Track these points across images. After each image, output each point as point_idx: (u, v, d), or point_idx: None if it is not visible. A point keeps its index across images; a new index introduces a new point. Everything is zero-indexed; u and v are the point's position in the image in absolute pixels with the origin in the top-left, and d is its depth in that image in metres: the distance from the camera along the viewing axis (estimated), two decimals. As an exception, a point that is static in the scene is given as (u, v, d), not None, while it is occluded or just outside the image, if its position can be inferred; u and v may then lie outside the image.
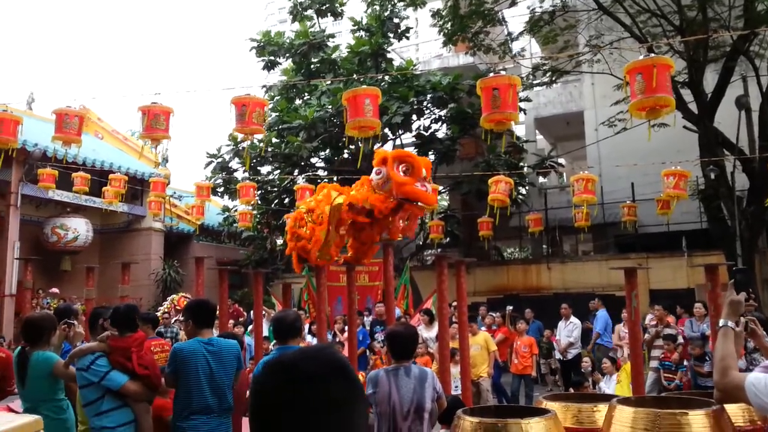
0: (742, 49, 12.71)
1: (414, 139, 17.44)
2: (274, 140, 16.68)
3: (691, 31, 12.45)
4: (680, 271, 14.55)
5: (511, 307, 12.42)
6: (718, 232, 13.36)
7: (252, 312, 13.23)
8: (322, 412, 1.05)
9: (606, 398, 4.17)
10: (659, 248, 15.43)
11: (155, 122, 6.69)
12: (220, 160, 18.03)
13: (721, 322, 2.64)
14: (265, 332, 8.57)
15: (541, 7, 15.77)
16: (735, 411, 3.42)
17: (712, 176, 12.67)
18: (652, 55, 5.60)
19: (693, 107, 13.01)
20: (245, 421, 4.48)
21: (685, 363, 8.32)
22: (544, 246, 19.65)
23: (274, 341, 6.83)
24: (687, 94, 12.99)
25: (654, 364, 8.63)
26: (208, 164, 18.10)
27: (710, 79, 13.39)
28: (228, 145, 17.87)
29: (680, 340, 8.68)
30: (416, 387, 3.64)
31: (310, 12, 18.36)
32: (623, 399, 3.65)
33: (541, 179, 21.06)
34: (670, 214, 11.95)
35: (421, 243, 18.37)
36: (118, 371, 3.81)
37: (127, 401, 3.85)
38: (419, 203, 5.75)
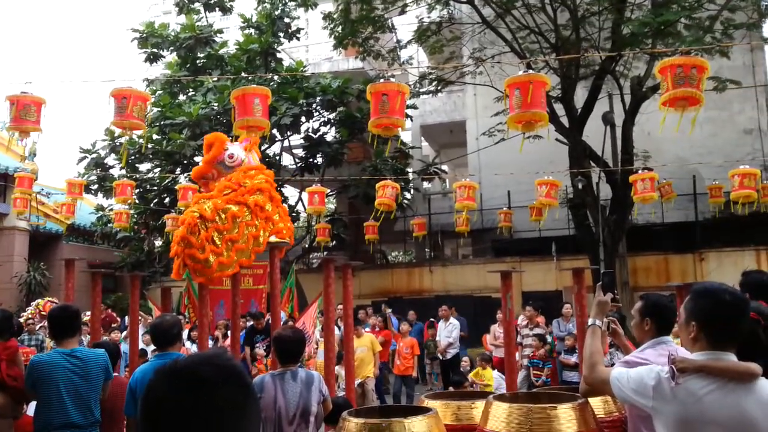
0: (609, 69, 13.78)
1: (302, 141, 17.35)
2: (155, 137, 15.96)
3: (565, 50, 13.35)
4: (550, 274, 15.51)
5: (390, 310, 12.70)
6: (584, 238, 14.36)
7: (127, 318, 12.63)
8: (217, 418, 1.04)
9: (483, 395, 4.37)
10: (531, 253, 16.33)
11: (25, 113, 6.21)
12: (95, 155, 16.99)
13: (590, 321, 2.87)
14: (141, 344, 8.18)
15: (429, 17, 16.25)
16: (597, 404, 3.72)
17: (580, 186, 13.62)
18: (530, 72, 5.95)
19: (565, 121, 13.92)
20: None
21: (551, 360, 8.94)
22: (427, 250, 20.22)
23: (153, 348, 6.54)
24: (559, 108, 13.89)
25: (524, 361, 9.18)
26: (81, 160, 17.00)
27: (580, 95, 14.38)
28: (104, 140, 16.90)
29: (548, 339, 9.30)
30: (302, 391, 3.64)
31: (197, 5, 17.76)
32: (499, 396, 3.85)
33: (425, 185, 21.66)
34: (543, 221, 12.71)
35: (307, 246, 18.30)
36: None
37: None
38: None
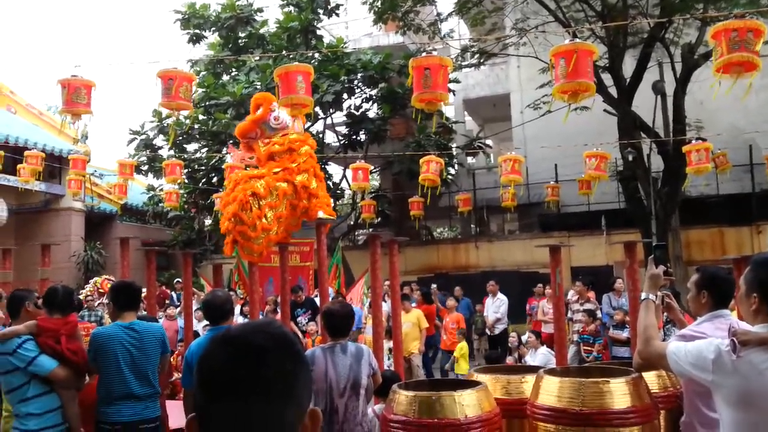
0: (658, 36, 13.30)
1: (345, 119, 17.37)
2: (200, 117, 16.22)
3: (611, 17, 12.92)
4: (599, 248, 15.22)
5: (435, 286, 12.71)
6: (635, 212, 14.03)
7: (174, 294, 13.00)
8: (270, 384, 1.06)
9: (532, 370, 4.35)
10: (580, 227, 16.06)
11: (76, 96, 6.37)
12: (143, 137, 17.38)
13: (643, 295, 2.81)
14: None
15: (470, -12, 15.93)
16: (651, 379, 3.65)
17: (630, 158, 13.27)
18: (577, 40, 5.79)
19: (613, 91, 13.54)
20: (169, 405, 4.40)
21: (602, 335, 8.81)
22: (473, 225, 20.10)
23: (206, 323, 6.72)
24: (607, 79, 13.50)
25: (574, 337, 9.08)
26: (131, 141, 17.42)
27: (629, 65, 13.94)
28: (152, 122, 17.25)
29: (598, 314, 9.16)
30: (353, 364, 3.68)
31: (237, -16, 17.83)
32: (549, 370, 3.82)
33: (469, 160, 21.46)
34: (592, 195, 12.46)
35: (352, 223, 18.42)
36: (46, 355, 3.65)
37: (53, 387, 3.70)
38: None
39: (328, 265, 11.06)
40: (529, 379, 3.82)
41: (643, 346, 2.61)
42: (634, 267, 5.59)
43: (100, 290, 11.54)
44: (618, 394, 3.20)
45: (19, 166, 12.77)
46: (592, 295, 9.75)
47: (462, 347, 9.40)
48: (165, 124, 16.69)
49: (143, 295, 7.20)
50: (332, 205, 6.87)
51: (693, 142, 10.65)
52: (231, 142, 16.13)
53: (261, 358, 1.07)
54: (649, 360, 2.63)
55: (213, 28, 17.33)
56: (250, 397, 1.05)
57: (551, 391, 3.35)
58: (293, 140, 5.97)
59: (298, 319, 9.38)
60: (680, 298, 10.18)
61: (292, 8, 16.90)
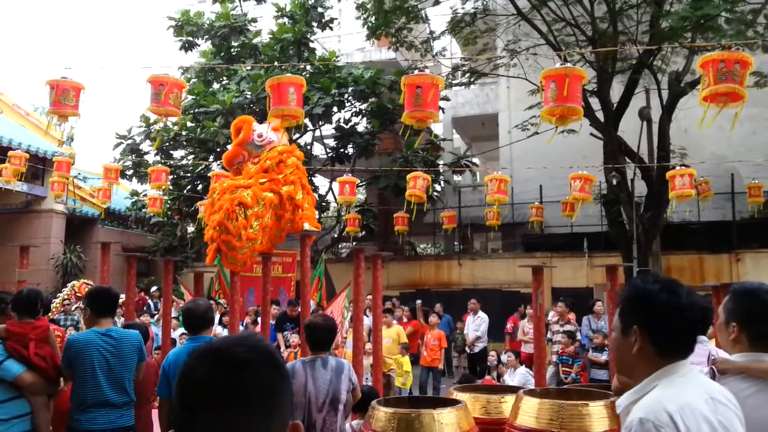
0: (646, 63, 13.50)
1: (334, 131, 17.40)
2: (189, 124, 16.17)
3: (601, 43, 13.11)
4: (581, 270, 15.32)
5: (420, 301, 12.68)
6: (617, 235, 14.14)
7: (150, 301, 12.85)
8: (251, 398, 1.05)
9: (512, 390, 4.35)
10: (562, 248, 16.16)
11: (64, 98, 6.32)
12: (130, 141, 17.28)
13: None
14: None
15: (463, 8, 16.10)
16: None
17: (614, 182, 13.40)
18: (568, 64, 5.86)
19: (600, 115, 13.70)
20: (155, 414, 4.34)
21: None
22: (456, 243, 20.14)
23: (183, 332, 6.65)
24: (594, 103, 13.66)
25: (553, 358, 9.10)
26: (117, 145, 17.32)
27: (617, 90, 14.13)
28: (139, 127, 17.17)
29: (578, 336, 9.20)
30: (332, 378, 3.66)
31: (232, -6, 17.89)
32: (529, 391, 3.82)
33: (456, 177, 21.56)
34: (575, 217, 12.55)
35: (336, 235, 18.39)
36: (14, 360, 3.58)
37: (22, 392, 3.63)
38: None
39: (311, 277, 11.01)
40: (509, 399, 3.82)
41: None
42: (615, 290, 5.63)
43: (78, 294, 11.39)
44: (596, 417, 3.22)
45: (0, 165, 12.62)
46: (572, 316, 9.79)
47: (405, 362, 9.20)
48: (152, 130, 16.61)
49: (121, 301, 7.13)
50: (317, 217, 6.86)
51: (677, 168, 10.79)
52: (218, 149, 16.11)
53: (243, 371, 1.06)
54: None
55: (206, 36, 17.34)
56: (232, 410, 1.04)
57: (530, 412, 3.35)
58: (281, 152, 5.97)
59: (285, 333, 9.29)
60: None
61: (286, 20, 16.97)
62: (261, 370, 1.08)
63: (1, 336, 3.61)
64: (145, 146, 17.36)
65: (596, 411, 3.23)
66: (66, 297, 11.28)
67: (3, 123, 16.73)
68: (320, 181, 19.31)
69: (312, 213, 6.42)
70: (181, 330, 7.40)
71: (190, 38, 17.51)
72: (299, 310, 9.57)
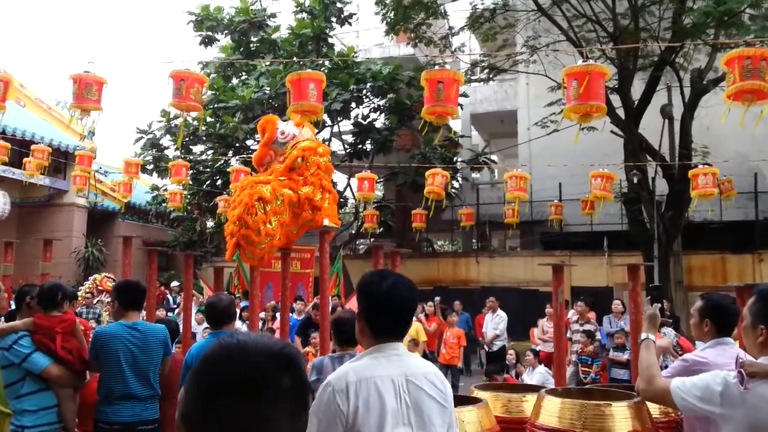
0: (668, 60, 13.33)
1: (352, 127, 17.41)
2: (208, 119, 16.27)
3: (623, 39, 12.95)
4: (600, 269, 15.18)
5: (438, 298, 12.65)
6: (637, 234, 14.00)
7: (169, 295, 12.95)
8: (269, 403, 1.05)
9: (533, 389, 4.33)
10: (582, 247, 16.03)
11: (87, 92, 6.39)
12: (150, 136, 17.44)
13: (643, 336, 2.80)
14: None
15: (482, 3, 16.01)
16: (652, 404, 3.63)
17: (635, 180, 13.25)
18: (590, 62, 5.80)
19: (621, 113, 13.56)
20: None
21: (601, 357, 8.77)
22: (474, 240, 20.07)
23: (206, 326, 6.69)
24: (615, 100, 13.51)
25: (572, 357, 9.03)
26: (137, 140, 17.48)
27: (638, 87, 13.97)
28: (160, 122, 17.32)
29: (597, 335, 9.12)
30: (359, 374, 3.66)
31: (251, -11, 17.97)
32: (551, 390, 3.80)
33: (474, 174, 21.48)
34: (595, 215, 12.44)
35: (354, 232, 18.42)
36: (41, 353, 3.63)
37: (49, 384, 3.68)
38: None
39: (329, 273, 11.02)
40: (530, 398, 3.80)
41: (646, 385, 2.59)
42: (637, 289, 5.57)
43: (99, 287, 11.50)
44: (619, 417, 3.19)
45: (25, 159, 12.80)
46: (592, 315, 9.71)
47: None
48: (173, 125, 16.74)
49: (144, 294, 7.18)
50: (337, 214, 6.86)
51: (699, 167, 10.65)
52: (237, 145, 16.19)
53: (288, 366, 1.07)
54: (653, 399, 2.61)
55: (226, 31, 17.44)
56: (269, 404, 1.04)
57: (552, 412, 3.33)
58: (304, 149, 5.97)
59: (311, 338, 9.02)
60: (679, 322, 10.16)
61: (305, 15, 17.00)
62: (281, 375, 1.07)
63: (29, 329, 3.66)
64: (166, 141, 17.52)
65: (619, 411, 3.20)
66: (88, 290, 11.40)
67: (26, 117, 16.96)
68: (338, 177, 19.33)
69: (333, 210, 6.42)
70: (206, 324, 7.44)
71: (210, 33, 17.62)
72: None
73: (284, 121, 6.70)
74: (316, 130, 15.40)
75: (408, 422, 1.96)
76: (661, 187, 13.88)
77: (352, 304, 10.74)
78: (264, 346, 1.09)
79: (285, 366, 1.08)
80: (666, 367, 3.39)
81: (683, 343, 7.20)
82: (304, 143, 6.00)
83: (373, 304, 2.14)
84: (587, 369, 8.62)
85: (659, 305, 3.06)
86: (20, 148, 13.37)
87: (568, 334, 9.22)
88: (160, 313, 9.60)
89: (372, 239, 16.86)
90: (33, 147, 12.72)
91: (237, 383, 1.04)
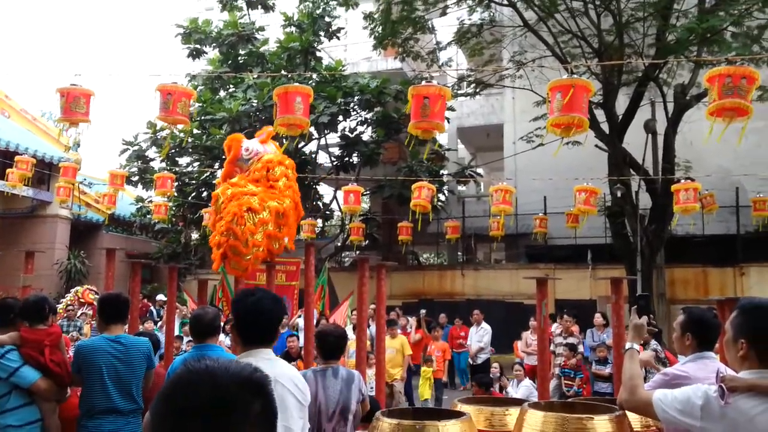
0: (652, 76, 13.52)
1: (339, 140, 17.44)
2: (195, 131, 16.23)
3: (607, 55, 13.14)
4: (584, 282, 15.29)
5: (424, 311, 12.66)
6: (620, 248, 14.11)
7: (152, 308, 12.83)
8: (238, 427, 1.03)
9: (516, 402, 4.33)
10: (566, 260, 16.12)
11: (74, 105, 6.36)
12: (136, 148, 17.37)
13: (627, 345, 2.82)
14: (176, 331, 8.28)
15: (470, 19, 16.17)
16: (634, 417, 3.65)
17: (619, 194, 13.39)
18: (573, 76, 5.88)
19: (605, 127, 13.71)
20: None
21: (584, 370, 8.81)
22: (459, 253, 20.12)
23: (189, 339, 6.63)
24: (600, 114, 13.68)
25: (556, 370, 9.07)
26: (123, 151, 17.40)
27: (622, 102, 14.14)
28: (146, 133, 17.25)
29: (580, 348, 9.17)
30: (343, 388, 3.65)
31: (240, 2, 18.00)
32: (534, 403, 3.81)
33: (460, 187, 21.58)
34: (579, 229, 12.53)
35: (340, 244, 18.40)
36: (29, 367, 3.59)
37: (34, 399, 3.63)
38: None
39: (314, 286, 10.98)
40: (513, 412, 3.80)
41: (628, 395, 2.61)
42: (620, 302, 5.61)
43: (81, 300, 11.39)
44: (601, 431, 3.20)
45: (7, 170, 12.68)
46: (576, 329, 9.76)
47: (426, 371, 9.33)
48: (158, 136, 16.69)
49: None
50: (320, 226, 6.86)
51: (682, 181, 10.79)
52: (224, 157, 16.14)
53: (258, 391, 1.07)
54: (635, 410, 2.63)
55: (214, 44, 17.45)
56: (229, 427, 1.03)
57: (535, 426, 3.33)
58: (267, 161, 5.95)
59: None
60: (662, 335, 10.23)
61: (293, 29, 17.06)
62: (250, 402, 1.06)
63: (16, 343, 3.62)
64: (151, 153, 17.45)
65: (601, 425, 3.21)
66: (69, 303, 11.28)
67: (10, 128, 16.82)
68: (325, 190, 19.35)
69: (292, 232, 6.29)
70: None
71: (198, 46, 17.62)
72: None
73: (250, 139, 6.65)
74: (303, 143, 15.44)
75: None
76: (645, 201, 14.02)
77: (337, 317, 10.73)
78: (234, 371, 1.08)
79: (255, 392, 1.08)
80: (647, 379, 3.42)
81: (670, 356, 7.26)
82: (267, 156, 5.99)
83: (242, 317, 2.57)
84: (570, 382, 8.66)
85: (646, 317, 3.08)
86: (4, 159, 13.26)
87: (551, 347, 9.26)
88: (149, 325, 9.53)
89: (358, 252, 16.86)
90: (17, 158, 12.61)
91: (206, 407, 1.02)
